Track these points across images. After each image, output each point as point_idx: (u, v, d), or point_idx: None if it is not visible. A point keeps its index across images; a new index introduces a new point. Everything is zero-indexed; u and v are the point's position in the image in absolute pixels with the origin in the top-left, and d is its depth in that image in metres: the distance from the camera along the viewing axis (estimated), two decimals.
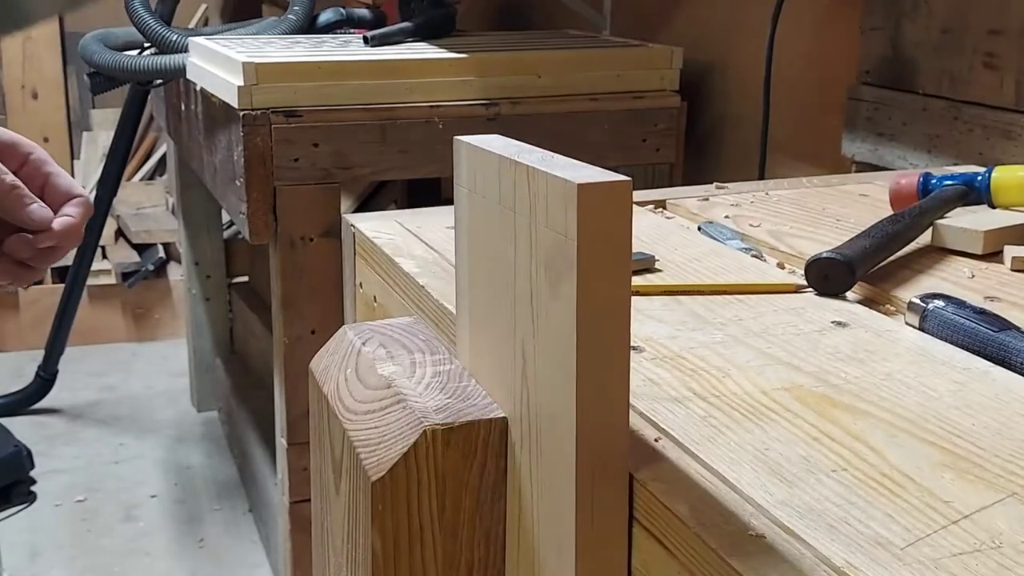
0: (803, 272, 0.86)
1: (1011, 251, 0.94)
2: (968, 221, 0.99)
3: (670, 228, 1.06)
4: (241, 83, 1.57)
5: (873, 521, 0.51)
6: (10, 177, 0.79)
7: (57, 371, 2.91)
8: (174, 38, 1.95)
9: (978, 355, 0.73)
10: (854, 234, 0.92)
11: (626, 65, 1.82)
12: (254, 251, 2.82)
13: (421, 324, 0.79)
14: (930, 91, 1.47)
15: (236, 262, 2.95)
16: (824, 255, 0.85)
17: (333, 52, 1.74)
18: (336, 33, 2.04)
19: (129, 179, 3.84)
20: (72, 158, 4.01)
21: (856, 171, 1.58)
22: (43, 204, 0.81)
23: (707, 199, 1.16)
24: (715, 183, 1.23)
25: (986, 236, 0.96)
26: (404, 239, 0.98)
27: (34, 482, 2.51)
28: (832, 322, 0.78)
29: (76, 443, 2.75)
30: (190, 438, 2.79)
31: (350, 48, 1.80)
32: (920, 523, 0.51)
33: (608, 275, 0.54)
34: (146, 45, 2.06)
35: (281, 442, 1.77)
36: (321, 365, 0.76)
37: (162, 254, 3.43)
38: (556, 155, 0.60)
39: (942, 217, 1.00)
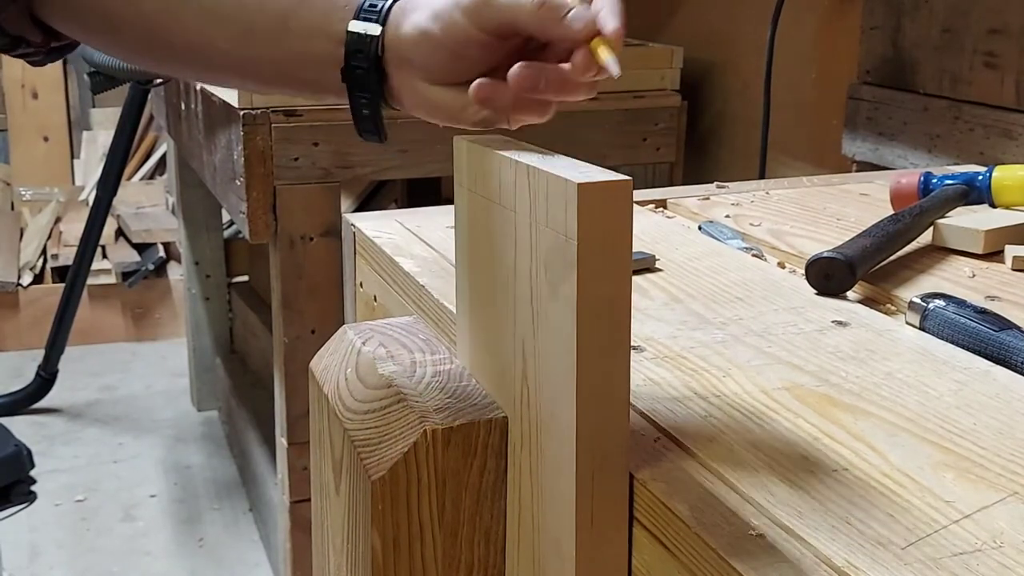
0: (804, 271, 0.86)
1: (1012, 250, 0.94)
2: (969, 220, 0.99)
3: (671, 227, 1.06)
4: None
5: (874, 521, 0.51)
6: None
7: (57, 371, 2.90)
8: None
9: (979, 355, 0.73)
10: (855, 233, 0.92)
11: (626, 64, 1.81)
12: (254, 250, 2.82)
13: (421, 324, 0.79)
14: (931, 91, 1.47)
15: (236, 261, 2.94)
16: (825, 254, 0.85)
17: None
18: None
19: (129, 178, 3.84)
20: (72, 157, 4.02)
21: (857, 170, 1.58)
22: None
23: (708, 198, 1.16)
24: (715, 182, 1.23)
25: (987, 235, 0.96)
26: (404, 238, 0.98)
27: (34, 482, 2.51)
28: (833, 322, 0.78)
29: (76, 443, 2.75)
30: (190, 438, 2.79)
31: None
32: (921, 523, 0.51)
33: (608, 275, 0.54)
34: None
35: (281, 442, 1.77)
36: (321, 365, 0.76)
37: (162, 253, 3.43)
38: (556, 154, 0.60)
39: (943, 216, 1.00)
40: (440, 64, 0.64)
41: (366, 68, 0.66)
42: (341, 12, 0.67)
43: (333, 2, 0.67)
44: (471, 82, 0.64)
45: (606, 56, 0.60)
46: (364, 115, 0.70)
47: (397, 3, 0.66)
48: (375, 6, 0.66)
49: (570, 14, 0.60)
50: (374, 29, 0.65)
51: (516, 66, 0.62)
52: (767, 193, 1.19)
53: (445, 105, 0.66)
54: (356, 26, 0.66)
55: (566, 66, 0.62)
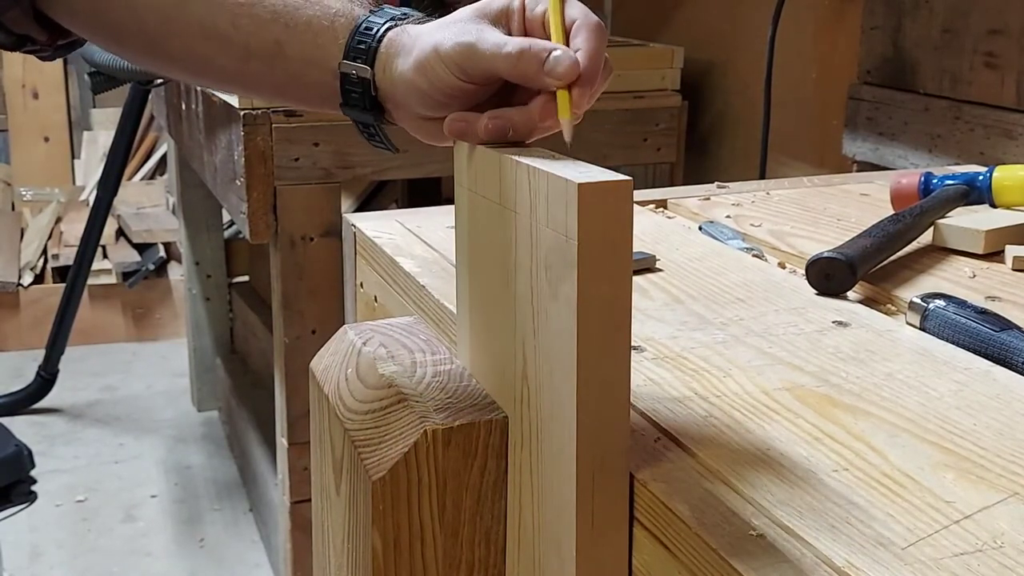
0: (804, 272, 0.86)
1: (1012, 251, 0.94)
2: (969, 221, 0.99)
3: (671, 228, 1.06)
4: None
5: (874, 521, 0.51)
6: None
7: (57, 371, 2.90)
8: None
9: (979, 355, 0.73)
10: (855, 234, 0.92)
11: (627, 64, 1.81)
12: (254, 251, 2.82)
13: (422, 324, 0.79)
14: (931, 91, 1.47)
15: (236, 262, 2.94)
16: (825, 255, 0.85)
17: None
18: None
19: (130, 179, 3.84)
20: (72, 158, 4.02)
21: (857, 171, 1.58)
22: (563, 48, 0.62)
23: (708, 199, 1.16)
24: (716, 183, 1.23)
25: (987, 236, 0.96)
26: (405, 239, 0.98)
27: (34, 482, 2.51)
28: (833, 322, 0.78)
29: (76, 443, 2.75)
30: (190, 438, 2.79)
31: None
32: (921, 523, 0.51)
33: (609, 275, 0.53)
34: None
35: (281, 442, 1.77)
36: (322, 365, 0.76)
37: (162, 254, 3.43)
38: (556, 154, 0.60)
39: (943, 217, 1.00)
40: (428, 108, 0.67)
41: (362, 105, 0.69)
42: (332, 47, 0.68)
43: (323, 34, 0.69)
44: None
45: (563, 118, 0.62)
46: (370, 134, 0.72)
47: (383, 42, 0.67)
48: (363, 44, 0.68)
49: (548, 61, 0.62)
50: (365, 71, 0.67)
51: (485, 117, 0.64)
52: (767, 193, 1.19)
53: (436, 135, 0.68)
54: (347, 67, 0.68)
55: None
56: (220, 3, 0.70)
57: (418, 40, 0.66)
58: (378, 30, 0.67)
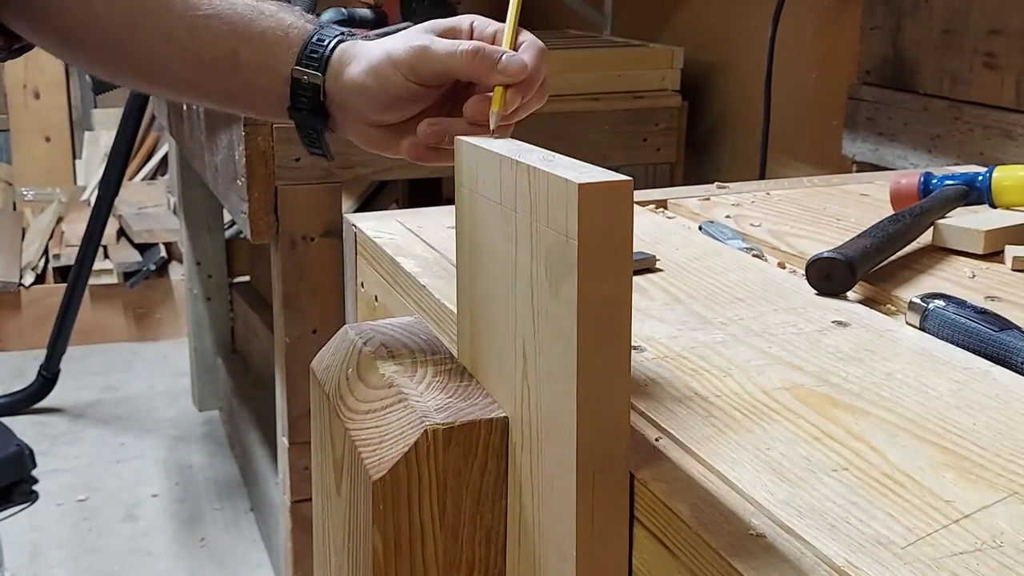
0: (804, 272, 0.86)
1: (1012, 251, 0.94)
2: (969, 221, 0.99)
3: (671, 228, 1.06)
4: None
5: (874, 521, 0.52)
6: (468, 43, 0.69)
7: (59, 370, 2.90)
8: None
9: (979, 355, 0.73)
10: (855, 234, 0.92)
11: (627, 65, 1.82)
12: (255, 251, 2.82)
13: (422, 324, 0.79)
14: (931, 91, 1.47)
15: (237, 261, 2.94)
16: (825, 255, 0.85)
17: None
18: None
19: (131, 179, 3.84)
20: (74, 158, 4.02)
21: (857, 171, 1.58)
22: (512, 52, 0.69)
23: (708, 199, 1.16)
24: (716, 183, 1.23)
25: (987, 236, 0.96)
26: (405, 239, 0.98)
27: (36, 481, 2.51)
28: (833, 322, 0.78)
29: (77, 442, 2.75)
30: (191, 437, 2.79)
31: None
32: (921, 522, 0.51)
33: (609, 275, 0.54)
34: None
35: (282, 441, 1.77)
36: (322, 364, 0.76)
37: (163, 254, 3.43)
38: (557, 155, 0.60)
39: (943, 217, 1.00)
40: (376, 111, 0.71)
41: (310, 109, 0.73)
42: (285, 56, 0.72)
43: (277, 44, 0.73)
44: (401, 123, 0.72)
45: (493, 109, 0.68)
46: (311, 140, 0.76)
47: (335, 52, 0.72)
48: (316, 53, 0.72)
49: (501, 61, 0.68)
50: (316, 78, 0.72)
51: (424, 123, 0.70)
52: (767, 193, 1.20)
53: (376, 141, 0.74)
54: (299, 72, 0.72)
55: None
56: (179, 15, 0.73)
57: (370, 49, 0.71)
58: (329, 42, 0.72)
